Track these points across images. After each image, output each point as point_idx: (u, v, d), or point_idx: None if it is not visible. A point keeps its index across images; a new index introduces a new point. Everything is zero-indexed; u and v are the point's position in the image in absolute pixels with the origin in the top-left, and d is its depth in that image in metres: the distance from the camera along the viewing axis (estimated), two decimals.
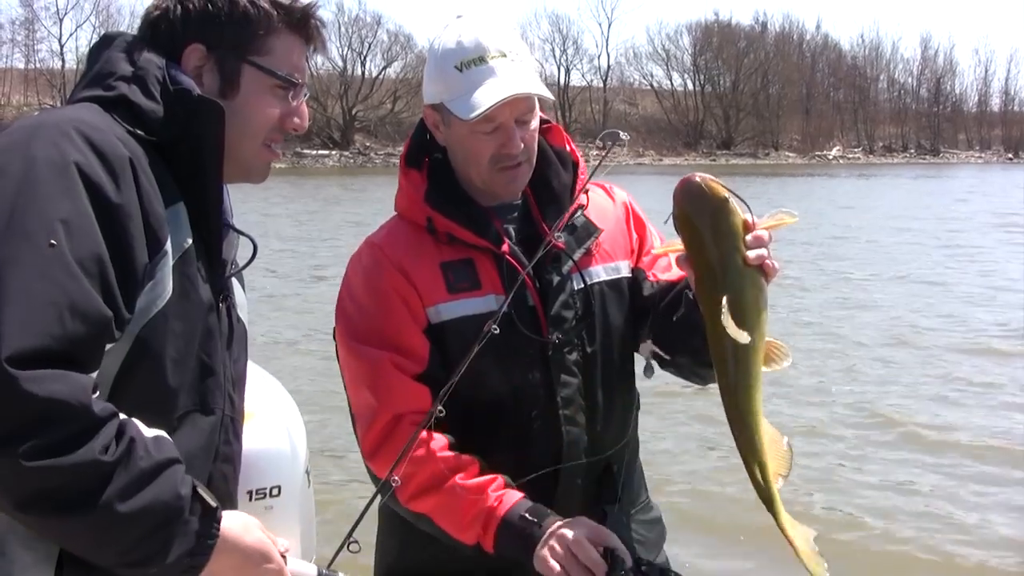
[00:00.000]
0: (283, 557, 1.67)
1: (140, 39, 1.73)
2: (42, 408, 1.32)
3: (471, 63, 2.02)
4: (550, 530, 1.93)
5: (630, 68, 79.55)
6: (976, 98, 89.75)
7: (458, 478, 1.97)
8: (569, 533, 1.92)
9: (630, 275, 2.23)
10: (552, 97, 2.08)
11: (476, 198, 2.14)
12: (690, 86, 76.62)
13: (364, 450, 2.07)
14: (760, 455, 1.86)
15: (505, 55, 2.03)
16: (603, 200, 2.27)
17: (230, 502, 1.83)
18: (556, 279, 2.11)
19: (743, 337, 1.78)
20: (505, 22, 2.13)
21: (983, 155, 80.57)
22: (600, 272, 2.17)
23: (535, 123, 2.11)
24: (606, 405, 2.13)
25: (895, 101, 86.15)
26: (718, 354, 1.86)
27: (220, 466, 1.75)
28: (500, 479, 1.99)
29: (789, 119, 76.22)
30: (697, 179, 1.83)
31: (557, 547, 1.91)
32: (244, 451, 1.99)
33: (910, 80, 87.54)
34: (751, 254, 1.80)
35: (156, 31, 1.73)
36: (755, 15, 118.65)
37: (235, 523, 1.58)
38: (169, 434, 1.60)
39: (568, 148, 2.24)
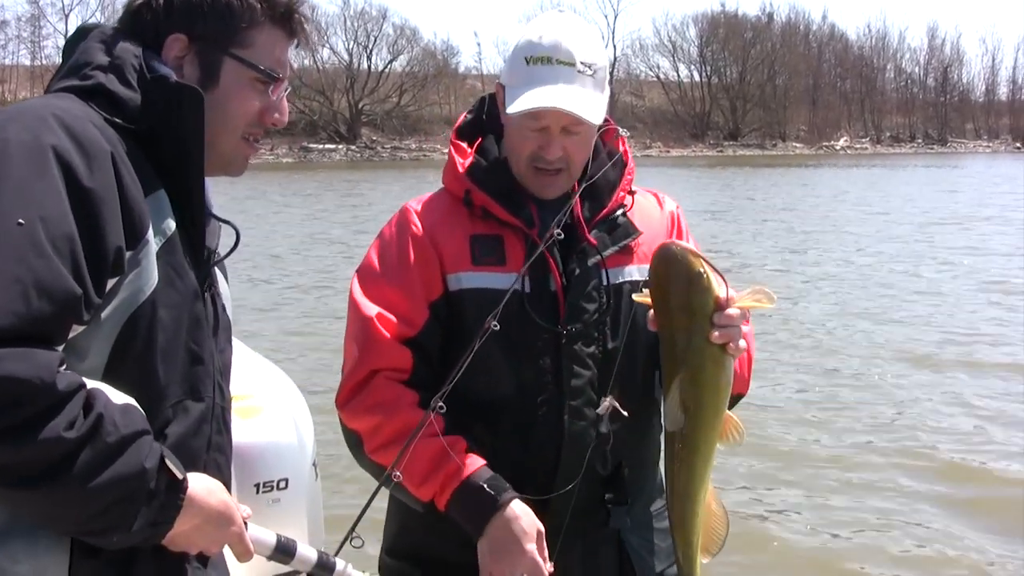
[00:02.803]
0: (244, 523, 1.69)
1: (117, 29, 1.72)
2: (2, 388, 1.31)
3: (539, 60, 2.07)
4: (494, 527, 1.94)
5: (636, 60, 79.21)
6: (983, 87, 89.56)
7: (423, 433, 1.96)
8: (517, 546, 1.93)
9: None
10: (599, 123, 2.10)
11: (519, 181, 2.16)
12: (696, 77, 76.34)
13: (338, 399, 2.10)
14: (690, 535, 1.83)
15: (574, 64, 2.06)
16: (650, 206, 2.29)
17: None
18: (579, 270, 2.11)
19: (675, 424, 1.77)
20: (594, 35, 2.15)
21: (991, 144, 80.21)
22: (634, 272, 2.17)
23: (587, 136, 2.11)
24: (622, 404, 2.09)
25: (902, 91, 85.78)
26: (670, 422, 1.84)
27: (213, 455, 1.75)
28: (463, 442, 2.00)
29: (796, 110, 75.91)
30: (675, 249, 1.80)
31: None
32: (251, 444, 1.99)
33: (917, 70, 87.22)
34: (716, 333, 1.80)
35: (138, 20, 1.72)
36: (761, 6, 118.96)
37: (200, 486, 1.58)
38: (164, 425, 1.61)
39: (621, 149, 2.26)
